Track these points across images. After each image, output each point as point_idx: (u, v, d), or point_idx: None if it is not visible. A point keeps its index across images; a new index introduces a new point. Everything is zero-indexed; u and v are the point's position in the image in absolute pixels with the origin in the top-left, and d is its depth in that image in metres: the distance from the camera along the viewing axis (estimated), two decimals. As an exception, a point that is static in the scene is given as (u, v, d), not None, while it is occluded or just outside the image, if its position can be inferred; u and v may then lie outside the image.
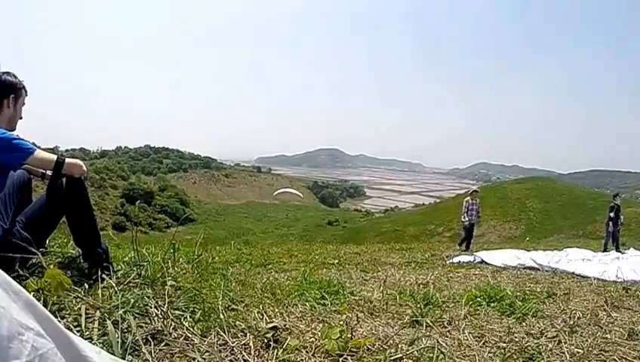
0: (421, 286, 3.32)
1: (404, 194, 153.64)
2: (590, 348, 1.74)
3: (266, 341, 1.55)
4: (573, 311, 2.46)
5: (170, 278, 1.91)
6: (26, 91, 2.12)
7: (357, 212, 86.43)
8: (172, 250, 2.37)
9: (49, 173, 2.08)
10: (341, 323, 1.88)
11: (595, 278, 4.22)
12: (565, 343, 1.80)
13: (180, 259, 2.53)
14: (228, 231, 49.99)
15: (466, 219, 10.33)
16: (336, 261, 5.59)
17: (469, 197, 10.58)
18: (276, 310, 1.99)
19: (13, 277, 0.93)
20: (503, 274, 4.61)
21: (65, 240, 2.65)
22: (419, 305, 2.34)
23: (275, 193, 52.90)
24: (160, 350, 1.38)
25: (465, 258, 6.88)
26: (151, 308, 1.59)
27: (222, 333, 1.54)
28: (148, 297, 1.65)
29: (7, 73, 2.05)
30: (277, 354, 1.45)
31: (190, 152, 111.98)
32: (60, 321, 1.11)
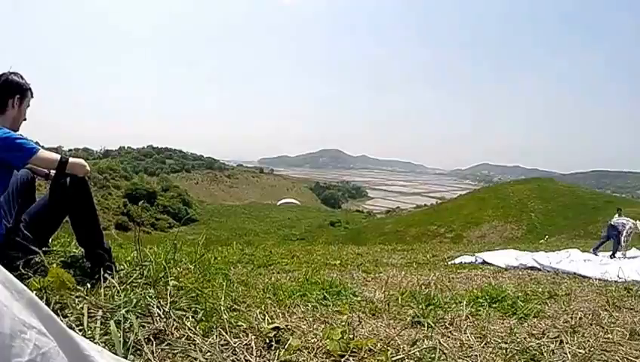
0: (423, 286, 3.31)
1: (405, 195, 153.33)
2: (592, 349, 1.74)
3: (267, 341, 1.55)
4: (575, 312, 2.46)
5: (172, 278, 1.91)
6: (32, 93, 2.12)
7: (359, 213, 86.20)
8: (174, 250, 2.37)
9: (53, 172, 2.09)
10: (343, 323, 1.88)
11: (596, 279, 4.22)
12: (567, 343, 1.80)
13: (183, 260, 2.54)
14: (230, 232, 50.00)
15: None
16: (338, 262, 5.58)
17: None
18: (278, 310, 1.99)
19: (16, 276, 0.94)
20: (504, 275, 4.61)
21: (68, 240, 2.65)
22: (420, 306, 2.34)
23: (279, 203, 53.82)
24: (162, 350, 1.38)
25: (466, 259, 6.88)
26: (153, 307, 1.59)
27: (224, 333, 1.54)
28: (150, 297, 1.65)
29: (15, 73, 2.04)
30: (279, 354, 1.46)
31: (193, 153, 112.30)
32: (62, 320, 1.11)
